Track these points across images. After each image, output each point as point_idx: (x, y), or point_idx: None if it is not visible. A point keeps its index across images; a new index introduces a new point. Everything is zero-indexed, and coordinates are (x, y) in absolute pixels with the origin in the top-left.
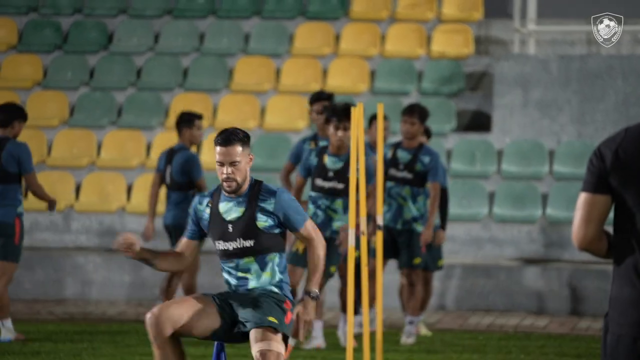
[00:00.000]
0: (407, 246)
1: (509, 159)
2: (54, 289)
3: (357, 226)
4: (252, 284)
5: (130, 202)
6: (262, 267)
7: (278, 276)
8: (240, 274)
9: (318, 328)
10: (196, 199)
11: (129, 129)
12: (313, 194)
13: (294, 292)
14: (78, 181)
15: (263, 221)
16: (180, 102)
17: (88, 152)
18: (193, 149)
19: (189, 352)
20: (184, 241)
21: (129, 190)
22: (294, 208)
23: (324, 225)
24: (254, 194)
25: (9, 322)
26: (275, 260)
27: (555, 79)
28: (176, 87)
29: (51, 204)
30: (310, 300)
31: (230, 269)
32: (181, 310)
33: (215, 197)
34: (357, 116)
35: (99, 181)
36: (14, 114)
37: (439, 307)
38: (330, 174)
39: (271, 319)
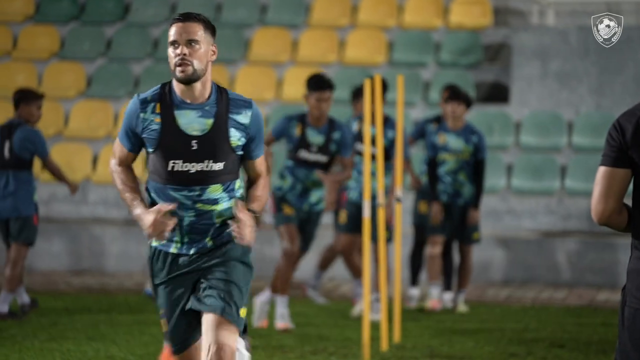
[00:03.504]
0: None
1: (527, 130)
2: (71, 261)
3: (374, 197)
4: (215, 217)
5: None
6: (230, 197)
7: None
8: (200, 207)
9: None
10: (136, 102)
11: None
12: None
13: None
14: (95, 152)
15: (236, 139)
16: None
17: (105, 123)
18: None
19: None
20: (126, 154)
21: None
22: (262, 129)
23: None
24: (224, 102)
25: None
26: (237, 187)
27: (574, 50)
28: None
29: None
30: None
31: (185, 200)
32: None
33: (164, 101)
34: (376, 88)
35: None
36: None
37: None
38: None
39: (242, 311)
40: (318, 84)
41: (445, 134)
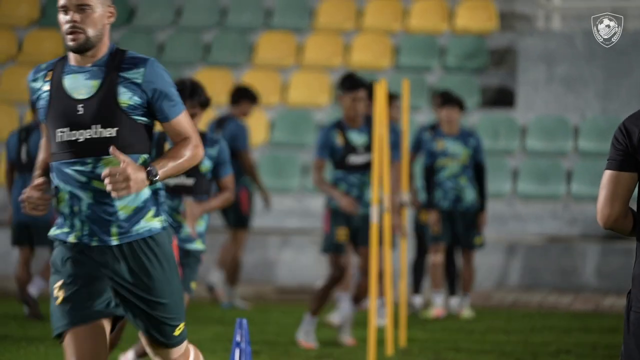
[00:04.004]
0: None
1: (533, 135)
2: None
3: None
4: (118, 204)
5: None
6: None
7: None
8: (97, 185)
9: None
10: (31, 72)
11: None
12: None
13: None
14: None
15: (127, 97)
16: (203, 77)
17: None
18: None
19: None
20: (43, 124)
21: None
22: (169, 86)
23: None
24: (116, 62)
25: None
26: (142, 163)
27: (580, 54)
28: (198, 62)
29: (266, 199)
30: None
31: (79, 176)
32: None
33: (57, 67)
34: (380, 92)
35: None
36: (242, 94)
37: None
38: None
39: (176, 332)
40: (352, 84)
41: (442, 139)
